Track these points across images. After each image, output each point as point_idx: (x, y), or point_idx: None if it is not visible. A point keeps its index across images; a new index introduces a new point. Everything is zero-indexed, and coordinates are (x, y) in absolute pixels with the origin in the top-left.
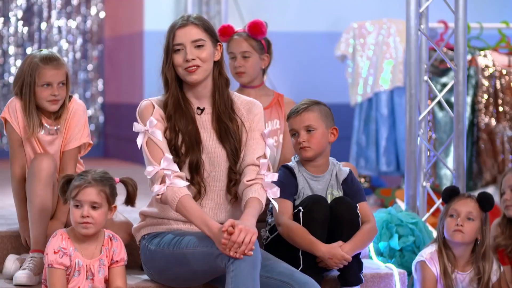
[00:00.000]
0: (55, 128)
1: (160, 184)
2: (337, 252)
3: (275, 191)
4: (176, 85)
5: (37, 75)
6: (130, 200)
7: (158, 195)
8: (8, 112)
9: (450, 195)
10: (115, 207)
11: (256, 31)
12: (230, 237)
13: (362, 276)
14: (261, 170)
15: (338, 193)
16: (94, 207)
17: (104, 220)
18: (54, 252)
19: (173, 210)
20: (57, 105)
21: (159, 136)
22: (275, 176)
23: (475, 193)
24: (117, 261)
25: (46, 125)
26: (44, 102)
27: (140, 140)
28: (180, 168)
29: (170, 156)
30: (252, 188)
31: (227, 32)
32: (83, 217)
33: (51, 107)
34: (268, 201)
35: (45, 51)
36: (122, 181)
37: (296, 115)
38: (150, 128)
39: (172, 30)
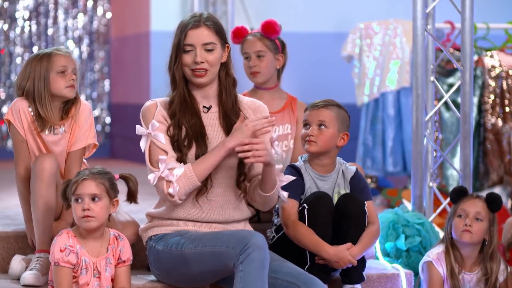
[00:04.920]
0: (61, 129)
1: (169, 187)
2: (344, 256)
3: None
4: (183, 83)
5: (52, 63)
6: (132, 196)
7: (172, 196)
8: (11, 114)
9: (458, 195)
10: (117, 201)
11: (269, 30)
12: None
13: (364, 274)
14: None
15: (345, 191)
16: (94, 200)
17: (106, 214)
18: (61, 251)
19: (198, 184)
20: (74, 92)
21: (161, 139)
22: (290, 178)
23: (483, 194)
24: (124, 261)
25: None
26: (62, 89)
27: (143, 144)
28: (184, 162)
29: (164, 157)
30: None
31: (241, 33)
32: (84, 210)
33: (70, 93)
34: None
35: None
36: (122, 177)
37: (314, 109)
38: (153, 132)
39: (184, 30)
